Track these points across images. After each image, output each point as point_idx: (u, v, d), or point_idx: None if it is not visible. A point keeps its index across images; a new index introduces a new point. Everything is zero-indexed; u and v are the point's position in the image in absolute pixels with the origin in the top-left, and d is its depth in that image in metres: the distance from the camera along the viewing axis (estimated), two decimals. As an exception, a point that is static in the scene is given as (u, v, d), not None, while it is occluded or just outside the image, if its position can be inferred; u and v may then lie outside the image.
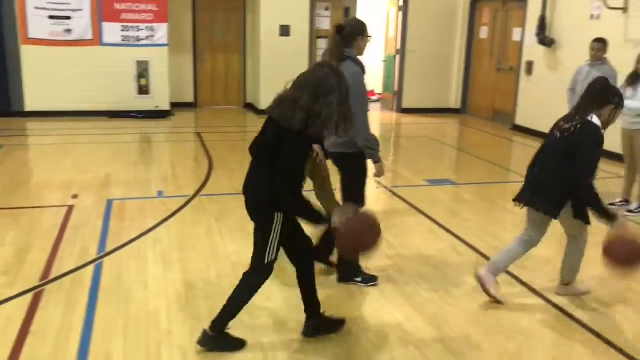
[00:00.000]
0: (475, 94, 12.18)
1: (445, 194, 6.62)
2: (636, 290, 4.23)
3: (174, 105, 11.33)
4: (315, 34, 11.69)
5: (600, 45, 6.32)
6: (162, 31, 10.67)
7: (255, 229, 3.27)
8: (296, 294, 3.50)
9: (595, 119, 3.70)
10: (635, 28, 7.89)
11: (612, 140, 6.51)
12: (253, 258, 3.29)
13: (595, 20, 8.64)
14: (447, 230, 5.35)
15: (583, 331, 3.63)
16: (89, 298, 3.86)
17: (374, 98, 14.06)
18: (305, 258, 3.40)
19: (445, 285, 4.21)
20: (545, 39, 9.57)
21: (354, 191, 4.02)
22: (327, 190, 5.05)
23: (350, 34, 3.86)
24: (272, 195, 3.02)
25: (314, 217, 3.08)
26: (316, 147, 4.73)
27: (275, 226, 3.12)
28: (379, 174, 4.03)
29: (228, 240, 4.93)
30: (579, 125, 3.69)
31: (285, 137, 2.97)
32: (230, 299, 3.26)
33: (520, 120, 10.51)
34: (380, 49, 13.34)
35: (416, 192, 6.54)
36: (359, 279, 4.19)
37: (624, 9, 8.07)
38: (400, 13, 12.07)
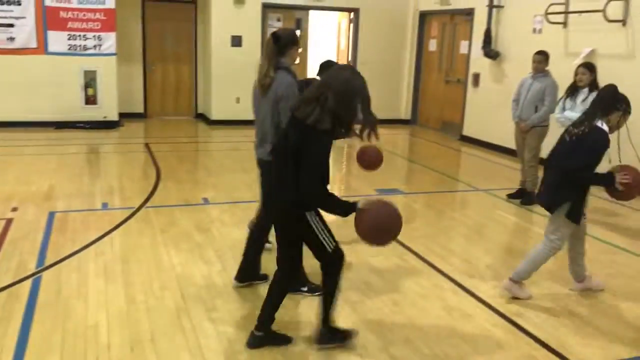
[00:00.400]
0: (424, 105, 12.40)
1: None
2: (573, 295, 4.35)
3: (123, 115, 11.12)
4: (267, 45, 11.67)
5: (541, 57, 6.53)
6: (110, 40, 10.47)
7: (284, 237, 3.34)
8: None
9: (603, 125, 3.89)
10: (574, 42, 8.20)
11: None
12: (321, 259, 3.36)
13: (537, 34, 8.93)
14: (395, 239, 5.39)
15: (527, 339, 3.70)
16: (24, 313, 3.72)
17: (326, 109, 14.17)
18: (292, 269, 3.45)
19: (391, 294, 4.24)
20: (490, 52, 9.84)
21: None
22: None
23: (285, 44, 3.87)
24: (298, 195, 3.07)
25: (344, 209, 3.19)
26: None
27: (313, 222, 3.22)
28: None
29: (173, 252, 4.85)
30: (587, 130, 3.88)
31: (311, 136, 3.03)
32: (325, 297, 3.37)
33: (467, 131, 10.74)
34: (333, 59, 13.46)
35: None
36: (305, 289, 4.18)
37: (564, 24, 8.37)
38: (352, 25, 12.20)
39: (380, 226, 3.20)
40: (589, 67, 6.03)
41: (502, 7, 9.73)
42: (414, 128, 12.28)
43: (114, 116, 10.76)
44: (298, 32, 4.02)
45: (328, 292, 3.39)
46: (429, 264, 4.84)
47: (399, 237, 5.33)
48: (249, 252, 4.28)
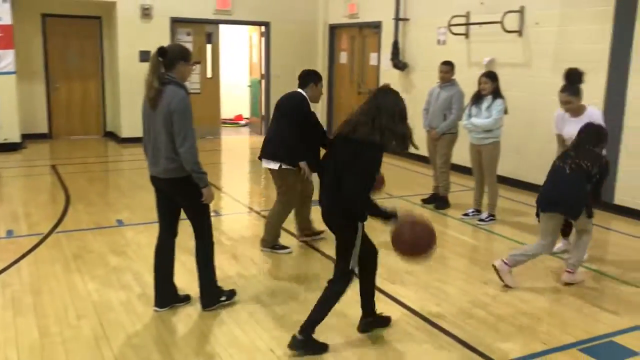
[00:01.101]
0: (339, 117, 12.56)
1: (314, 212, 6.72)
2: (490, 294, 4.55)
3: (26, 136, 10.53)
4: (177, 60, 11.46)
5: (447, 67, 6.82)
6: (8, 58, 9.90)
7: (336, 239, 3.63)
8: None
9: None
10: (476, 52, 8.63)
11: (463, 155, 7.04)
12: (336, 267, 3.64)
13: (441, 45, 9.32)
14: (317, 250, 5.43)
15: (449, 339, 3.82)
16: None
17: (242, 122, 14.07)
18: (372, 261, 3.81)
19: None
20: (399, 63, 10.16)
21: (199, 210, 3.98)
22: (306, 208, 5.45)
23: (171, 59, 3.79)
24: (346, 203, 3.43)
25: (386, 215, 3.50)
26: (302, 164, 5.07)
27: (358, 234, 3.53)
28: (207, 199, 3.89)
29: (88, 278, 4.63)
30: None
31: (365, 151, 3.42)
32: (316, 306, 3.57)
33: (381, 140, 10.99)
34: (245, 73, 13.43)
35: (285, 214, 6.58)
36: (223, 298, 4.19)
37: (466, 35, 8.79)
38: (263, 39, 12.23)
39: (417, 248, 3.54)
40: (490, 76, 6.35)
41: (407, 19, 10.09)
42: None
43: (15, 138, 10.16)
44: (190, 47, 3.96)
45: (323, 302, 3.59)
46: (353, 273, 4.89)
47: (321, 248, 5.43)
48: (163, 275, 4.13)
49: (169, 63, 3.79)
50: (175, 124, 3.71)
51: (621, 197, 6.76)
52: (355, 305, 3.88)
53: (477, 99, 6.37)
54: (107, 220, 6.20)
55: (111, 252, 5.23)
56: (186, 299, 4.23)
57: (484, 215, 6.48)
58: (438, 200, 7.02)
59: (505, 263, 4.65)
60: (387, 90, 3.64)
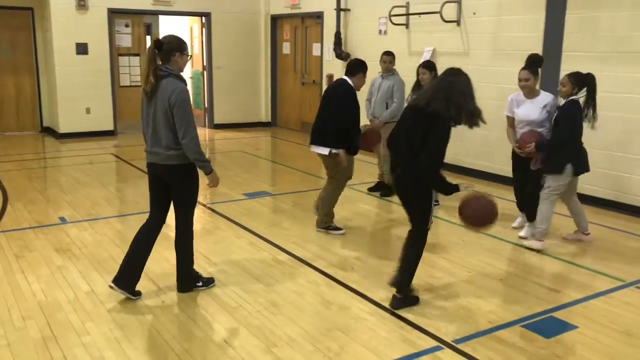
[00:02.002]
0: (283, 107, 12.60)
1: (263, 206, 6.75)
2: (436, 276, 4.69)
3: (-45, 134, 10.06)
4: (116, 52, 11.19)
5: (390, 57, 6.93)
6: None
7: (408, 205, 4.06)
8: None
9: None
10: (416, 42, 8.80)
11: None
12: (414, 230, 4.05)
13: (383, 35, 9.46)
14: (268, 241, 5.45)
15: (400, 322, 3.93)
16: None
17: (184, 115, 13.85)
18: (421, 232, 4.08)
19: (269, 296, 4.28)
20: (341, 54, 10.24)
21: (188, 198, 4.18)
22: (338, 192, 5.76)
23: (168, 51, 3.89)
24: (422, 173, 3.80)
25: (451, 189, 3.85)
26: (341, 152, 5.39)
27: (432, 200, 3.97)
28: (213, 184, 4.15)
29: (32, 278, 4.49)
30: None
31: (439, 126, 3.74)
32: (404, 267, 4.07)
33: (326, 130, 11.07)
34: (187, 65, 13.19)
35: (235, 206, 6.56)
36: (199, 284, 4.34)
37: (406, 25, 8.95)
38: (204, 29, 12.06)
39: (484, 218, 3.92)
40: (428, 66, 6.44)
41: (349, 10, 10.17)
42: (275, 130, 12.44)
43: (-56, 136, 9.69)
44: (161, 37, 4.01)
45: (410, 262, 4.05)
46: (303, 261, 4.95)
47: (271, 239, 5.46)
48: (136, 257, 4.20)
49: (165, 55, 3.89)
50: (176, 116, 3.84)
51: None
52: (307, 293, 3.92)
53: (417, 88, 6.49)
54: (49, 218, 6.02)
55: (55, 251, 5.09)
56: (138, 294, 4.19)
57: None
58: (383, 188, 7.15)
59: (540, 240, 5.23)
60: (458, 71, 3.95)
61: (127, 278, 4.14)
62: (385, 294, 4.30)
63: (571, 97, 5.07)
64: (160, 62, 3.91)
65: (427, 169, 3.79)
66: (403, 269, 4.09)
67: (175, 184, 4.11)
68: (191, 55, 4.11)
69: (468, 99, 3.80)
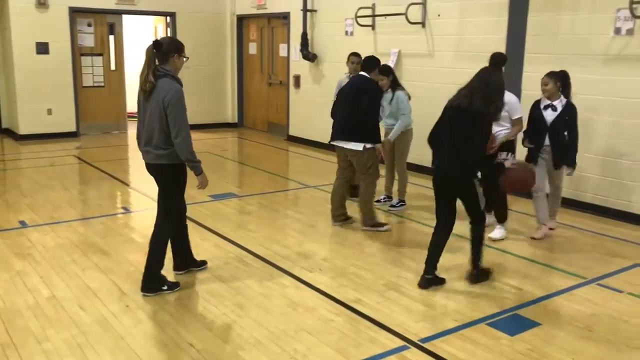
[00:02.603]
0: (250, 108, 12.54)
1: (229, 207, 6.69)
2: (404, 276, 4.72)
3: None
4: (78, 51, 10.96)
5: (357, 59, 6.93)
6: None
7: (454, 196, 4.48)
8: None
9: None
10: (383, 43, 8.85)
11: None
12: (472, 215, 4.50)
13: (349, 36, 9.49)
14: (234, 243, 5.41)
15: (367, 323, 3.94)
16: None
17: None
18: (452, 220, 4.53)
19: (235, 298, 4.25)
20: (308, 54, 10.24)
21: (171, 197, 4.29)
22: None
23: (166, 52, 4.03)
24: (471, 165, 4.32)
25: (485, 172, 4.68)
26: (378, 146, 5.67)
27: (475, 188, 4.47)
28: (202, 185, 4.25)
29: (-10, 284, 4.37)
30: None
31: (482, 121, 4.24)
32: (473, 250, 4.55)
33: (292, 131, 11.08)
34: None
35: (200, 208, 6.49)
36: (165, 287, 4.29)
37: (372, 26, 9.00)
38: (168, 29, 11.91)
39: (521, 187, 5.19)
40: (384, 71, 6.25)
41: (315, 11, 10.17)
42: (241, 131, 12.36)
43: None
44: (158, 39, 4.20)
45: (478, 239, 4.52)
46: (270, 263, 4.93)
47: (237, 241, 5.42)
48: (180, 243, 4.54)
49: (163, 56, 4.03)
50: (169, 116, 3.96)
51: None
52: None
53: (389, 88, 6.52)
54: (9, 222, 5.86)
55: (15, 255, 4.96)
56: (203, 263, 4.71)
57: (395, 201, 6.69)
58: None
59: (547, 226, 5.65)
60: (491, 70, 4.43)
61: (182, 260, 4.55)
62: (353, 295, 4.31)
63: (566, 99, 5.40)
64: (158, 63, 4.03)
65: (477, 161, 4.34)
66: (476, 249, 4.56)
67: (161, 184, 4.25)
68: (187, 57, 4.22)
69: (500, 96, 4.27)
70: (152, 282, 4.27)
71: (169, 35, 11.77)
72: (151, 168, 4.23)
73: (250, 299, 4.23)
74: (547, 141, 5.41)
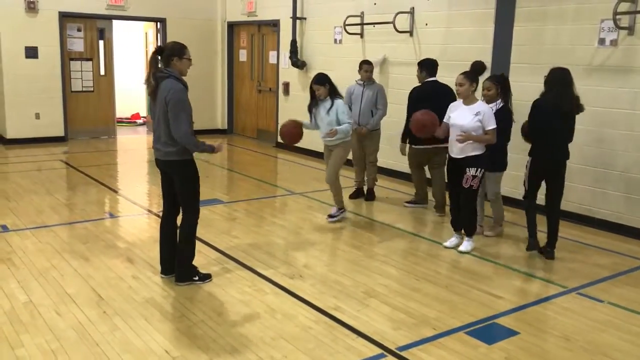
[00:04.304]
0: (239, 115, 12.54)
1: (215, 214, 6.67)
2: (383, 283, 4.72)
3: None
4: (67, 56, 10.94)
5: (370, 67, 7.03)
6: None
7: (558, 178, 5.33)
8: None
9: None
10: (371, 51, 8.87)
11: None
12: (559, 190, 5.35)
13: (338, 44, 9.51)
14: (216, 249, 5.39)
15: (345, 331, 3.92)
16: None
17: (139, 121, 13.64)
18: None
19: (213, 304, 4.23)
20: (297, 62, 10.26)
21: (190, 191, 4.51)
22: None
23: (167, 56, 4.34)
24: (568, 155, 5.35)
25: None
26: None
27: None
28: (220, 149, 4.59)
29: (-33, 288, 4.32)
30: None
31: (574, 120, 5.22)
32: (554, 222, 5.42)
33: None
34: (142, 71, 13.02)
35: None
36: (196, 278, 4.57)
37: (361, 35, 9.03)
38: (159, 35, 11.91)
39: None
40: (320, 81, 6.12)
41: (305, 19, 10.20)
42: (231, 137, 12.35)
43: None
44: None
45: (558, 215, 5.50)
46: (251, 269, 4.91)
47: (219, 247, 5.40)
48: (168, 246, 4.67)
49: (165, 60, 4.34)
50: (170, 113, 4.23)
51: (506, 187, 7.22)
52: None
53: (314, 104, 6.30)
54: (-10, 227, 5.83)
55: (-6, 260, 4.92)
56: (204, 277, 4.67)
57: (334, 210, 6.48)
58: (364, 194, 7.37)
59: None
60: (563, 69, 5.17)
61: (169, 265, 4.63)
62: (333, 303, 4.30)
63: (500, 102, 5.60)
64: (163, 66, 4.34)
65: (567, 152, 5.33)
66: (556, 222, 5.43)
67: (176, 179, 4.48)
68: (190, 58, 4.53)
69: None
70: (183, 273, 4.54)
71: (161, 40, 11.77)
72: (161, 164, 4.49)
73: (229, 305, 4.21)
74: None
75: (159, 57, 4.38)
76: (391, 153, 8.01)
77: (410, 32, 8.23)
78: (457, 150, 5.38)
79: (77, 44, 11.11)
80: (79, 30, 11.11)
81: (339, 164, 6.34)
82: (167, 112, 4.26)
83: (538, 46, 6.79)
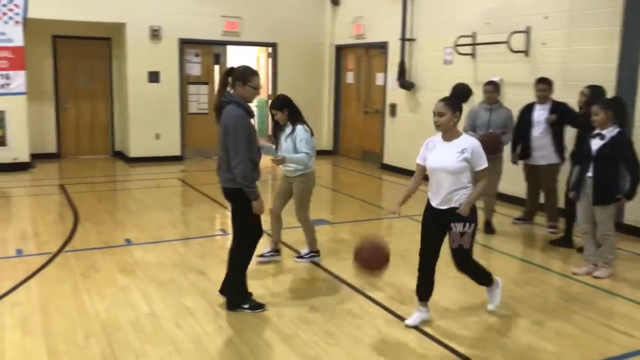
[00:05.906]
0: (345, 136, 12.65)
1: (322, 234, 6.71)
2: (498, 315, 4.51)
3: (35, 156, 10.61)
4: (185, 80, 11.59)
5: (493, 87, 6.75)
6: (19, 79, 10.00)
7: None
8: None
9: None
10: (483, 72, 8.64)
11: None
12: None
13: (448, 64, 9.37)
14: (325, 270, 5.41)
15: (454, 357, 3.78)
16: None
17: (248, 142, 14.10)
18: None
19: (325, 326, 4.23)
20: (405, 83, 10.21)
21: (241, 221, 4.39)
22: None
23: (233, 80, 4.21)
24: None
25: None
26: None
27: None
28: (258, 211, 4.27)
29: (96, 298, 4.63)
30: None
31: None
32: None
33: (387, 159, 11.03)
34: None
35: (292, 233, 6.54)
36: (246, 306, 4.40)
37: (472, 55, 8.84)
38: (270, 59, 12.33)
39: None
40: (278, 105, 5.57)
41: (414, 40, 10.15)
42: (336, 158, 12.47)
43: (24, 157, 10.23)
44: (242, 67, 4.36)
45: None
46: (361, 292, 4.88)
47: (329, 268, 5.41)
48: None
49: (232, 83, 4.22)
50: (229, 140, 4.10)
51: (633, 217, 6.73)
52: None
53: (275, 129, 5.65)
54: (116, 240, 6.22)
55: (120, 272, 5.24)
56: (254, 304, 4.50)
57: (305, 251, 5.76)
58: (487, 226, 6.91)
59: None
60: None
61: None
62: (446, 330, 4.16)
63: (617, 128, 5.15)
64: (229, 89, 4.23)
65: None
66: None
67: (232, 208, 4.40)
68: (257, 87, 4.24)
69: None
70: (232, 301, 4.44)
71: (269, 65, 12.17)
72: (222, 191, 4.39)
73: (340, 328, 4.20)
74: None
75: (229, 79, 4.23)
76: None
77: (526, 52, 7.94)
78: (438, 200, 4.22)
79: (194, 69, 11.75)
80: (196, 55, 11.75)
81: (303, 201, 5.52)
82: (226, 139, 4.12)
83: (670, 64, 6.31)
